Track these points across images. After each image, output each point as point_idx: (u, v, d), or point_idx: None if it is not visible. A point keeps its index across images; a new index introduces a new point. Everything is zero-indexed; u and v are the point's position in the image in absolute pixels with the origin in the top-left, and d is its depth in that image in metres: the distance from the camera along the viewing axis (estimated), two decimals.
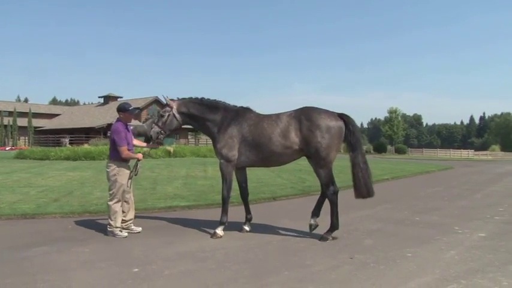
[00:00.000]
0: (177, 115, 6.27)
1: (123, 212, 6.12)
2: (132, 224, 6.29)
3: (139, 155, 6.21)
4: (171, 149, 28.09)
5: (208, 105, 6.30)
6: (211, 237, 5.93)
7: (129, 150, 6.10)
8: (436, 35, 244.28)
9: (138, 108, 6.66)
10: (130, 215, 6.27)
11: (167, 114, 6.28)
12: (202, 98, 6.40)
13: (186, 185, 12.15)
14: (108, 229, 6.00)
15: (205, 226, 6.58)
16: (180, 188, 11.43)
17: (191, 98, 6.40)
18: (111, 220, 5.96)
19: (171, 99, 6.35)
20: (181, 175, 15.08)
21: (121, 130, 6.05)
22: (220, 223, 6.07)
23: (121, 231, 5.99)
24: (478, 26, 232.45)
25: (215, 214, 7.07)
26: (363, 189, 5.86)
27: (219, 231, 5.98)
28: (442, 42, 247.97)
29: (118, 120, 6.24)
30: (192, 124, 6.47)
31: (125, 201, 6.14)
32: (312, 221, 6.08)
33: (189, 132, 58.28)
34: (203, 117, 6.26)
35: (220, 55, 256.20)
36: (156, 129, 6.31)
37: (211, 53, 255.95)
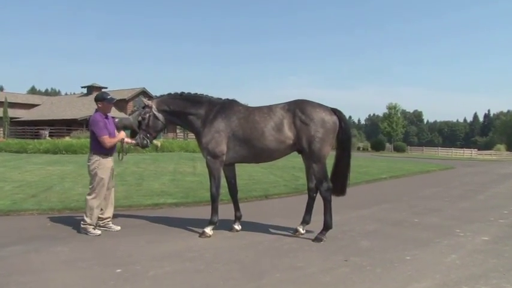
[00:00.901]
0: (158, 114, 6.20)
1: (100, 209, 6.10)
2: (110, 222, 6.26)
3: (122, 134, 6.22)
4: (158, 143, 27.84)
5: (189, 99, 6.26)
6: (200, 236, 5.92)
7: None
8: (438, 25, 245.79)
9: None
10: (108, 212, 6.24)
11: (147, 115, 6.20)
12: (182, 92, 6.36)
13: (173, 181, 12.12)
14: (82, 225, 5.97)
15: (193, 225, 6.57)
16: (167, 184, 11.40)
17: (170, 94, 6.37)
18: (86, 216, 5.95)
19: (149, 99, 6.33)
20: (168, 171, 15.04)
21: (99, 120, 6.01)
22: (210, 222, 6.06)
23: (94, 229, 5.96)
24: (483, 15, 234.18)
25: (204, 212, 7.07)
26: (337, 187, 6.09)
27: (208, 230, 5.97)
28: (443, 34, 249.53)
29: (96, 111, 6.19)
30: (175, 121, 6.42)
31: (103, 198, 6.10)
32: (300, 228, 6.15)
33: (178, 126, 58.06)
34: (185, 111, 6.20)
35: (211, 45, 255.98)
36: (141, 133, 6.24)
37: (201, 42, 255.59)
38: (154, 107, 6.21)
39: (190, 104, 6.21)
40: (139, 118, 6.25)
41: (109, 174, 6.10)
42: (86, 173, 7.24)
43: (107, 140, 5.98)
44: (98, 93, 6.40)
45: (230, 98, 6.36)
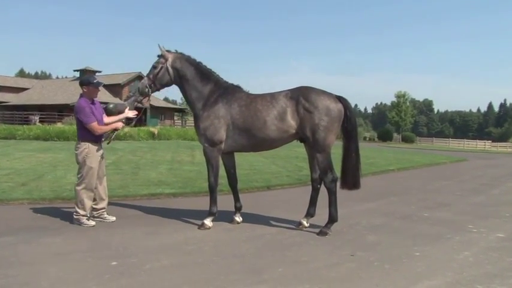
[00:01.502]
0: (170, 69, 6.15)
1: (94, 199, 6.10)
2: (105, 213, 6.26)
3: (119, 124, 6.17)
4: (155, 130, 28.00)
5: (202, 71, 6.22)
6: (199, 228, 5.93)
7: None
8: (450, 5, 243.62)
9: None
10: (103, 202, 6.23)
11: (160, 66, 6.15)
12: (200, 62, 6.31)
13: (171, 170, 12.13)
14: (74, 216, 5.97)
15: (192, 216, 6.58)
16: (164, 173, 11.41)
17: (190, 56, 6.30)
18: (78, 207, 5.94)
19: (168, 51, 6.23)
20: (166, 159, 15.05)
21: (84, 105, 5.92)
22: (209, 213, 6.06)
23: (88, 220, 5.97)
24: (499, 8, 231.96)
25: (203, 203, 7.06)
26: (349, 180, 6.07)
27: (208, 222, 5.97)
28: (455, 15, 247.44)
29: (81, 96, 6.10)
30: (180, 86, 6.33)
31: (95, 188, 6.08)
32: (304, 221, 6.16)
33: (175, 113, 58.01)
34: (191, 83, 6.16)
35: (211, 21, 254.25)
36: (145, 81, 6.20)
37: (200, 19, 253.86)
38: (170, 60, 6.16)
39: (199, 77, 6.17)
40: (152, 65, 6.19)
41: (99, 163, 6.07)
42: None
43: (96, 127, 5.92)
44: (83, 77, 6.30)
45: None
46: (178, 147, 21.20)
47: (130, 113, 6.35)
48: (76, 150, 6.01)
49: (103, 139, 6.30)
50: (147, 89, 6.16)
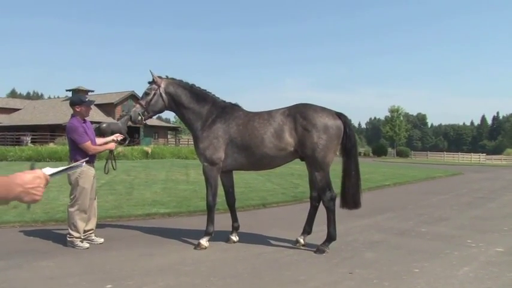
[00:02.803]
0: (164, 95, 6.15)
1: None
2: (93, 234, 6.19)
3: (111, 145, 6.16)
4: (148, 149, 27.93)
5: (197, 93, 6.24)
6: (195, 248, 5.88)
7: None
8: (443, 27, 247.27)
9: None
10: (91, 224, 6.16)
11: (153, 92, 6.15)
12: (193, 84, 6.33)
13: (165, 189, 12.07)
14: (68, 239, 5.90)
15: (187, 236, 6.52)
16: (159, 193, 11.35)
17: (181, 80, 6.32)
18: (71, 229, 5.87)
19: (159, 77, 6.24)
20: (160, 179, 14.97)
21: (78, 125, 5.92)
22: (206, 233, 6.02)
23: (82, 242, 5.90)
24: (491, 15, 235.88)
25: (199, 222, 7.02)
26: (349, 200, 6.03)
27: (204, 241, 5.93)
28: (448, 35, 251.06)
29: (73, 116, 6.09)
30: (175, 111, 6.34)
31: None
32: (300, 238, 6.12)
33: (169, 132, 57.99)
34: (188, 106, 6.16)
35: (205, 51, 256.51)
36: (138, 108, 6.17)
37: (196, 48, 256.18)
38: (162, 86, 6.15)
39: (196, 100, 6.17)
40: (144, 91, 6.20)
41: (91, 184, 6.03)
42: None
43: (90, 147, 5.91)
44: (73, 97, 6.31)
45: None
46: (173, 166, 21.11)
47: (112, 146, 6.35)
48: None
49: (104, 169, 6.30)
50: (140, 117, 6.13)
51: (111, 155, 6.39)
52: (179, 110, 6.24)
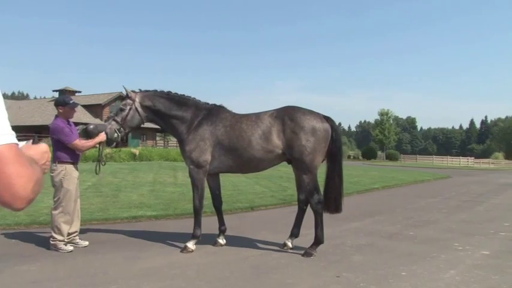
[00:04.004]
0: (139, 109, 6.05)
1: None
2: (77, 237, 6.12)
3: (101, 136, 6.00)
4: (136, 151, 27.79)
5: (176, 100, 6.17)
6: (182, 251, 5.85)
7: None
8: (431, 31, 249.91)
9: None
10: (75, 226, 6.09)
11: (128, 108, 6.04)
12: (169, 91, 6.28)
13: (153, 192, 12.01)
14: (51, 242, 5.83)
15: (174, 239, 6.49)
16: (146, 195, 11.29)
17: (156, 90, 6.24)
18: (55, 232, 5.80)
19: (133, 91, 6.14)
20: (147, 181, 14.91)
21: (63, 125, 5.87)
22: (193, 236, 6.00)
23: (66, 245, 5.83)
24: (480, 19, 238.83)
25: (186, 225, 6.99)
26: (331, 204, 6.02)
27: (191, 245, 5.90)
28: (438, 39, 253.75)
29: (57, 116, 6.03)
30: (156, 122, 6.28)
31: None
32: (288, 241, 6.13)
33: (157, 133, 57.73)
34: (170, 114, 6.10)
35: (194, 53, 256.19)
36: (113, 125, 6.03)
37: (185, 50, 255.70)
38: (137, 100, 6.04)
39: (176, 106, 6.11)
40: (119, 107, 6.11)
41: (76, 185, 5.98)
42: None
43: (79, 145, 5.86)
44: (58, 97, 6.26)
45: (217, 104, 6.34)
46: (161, 168, 21.03)
47: (102, 137, 6.10)
48: (52, 172, 5.89)
49: (96, 170, 6.26)
50: (116, 134, 6.01)
51: (100, 154, 6.34)
52: (161, 119, 6.17)
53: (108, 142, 6.13)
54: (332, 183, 6.01)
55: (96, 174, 6.54)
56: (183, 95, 6.30)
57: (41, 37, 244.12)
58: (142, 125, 6.33)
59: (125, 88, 6.14)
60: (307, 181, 5.78)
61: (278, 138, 5.75)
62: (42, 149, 1.40)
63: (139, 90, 6.21)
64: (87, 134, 6.20)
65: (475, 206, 11.49)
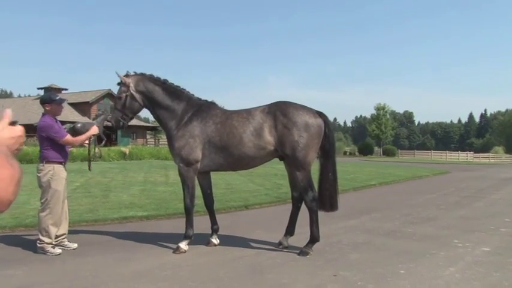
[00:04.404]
0: (136, 95, 6.06)
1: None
2: (65, 240, 6.09)
3: (94, 129, 6.01)
4: (126, 150, 27.73)
5: (170, 91, 6.16)
6: (174, 252, 5.85)
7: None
8: (428, 23, 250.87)
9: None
10: (63, 228, 6.06)
11: (124, 95, 6.06)
12: (166, 80, 6.25)
13: (144, 192, 11.99)
14: (38, 245, 5.78)
15: (166, 240, 6.48)
16: (137, 195, 11.26)
17: (152, 75, 6.23)
18: (42, 235, 5.76)
19: (127, 75, 6.12)
20: (138, 180, 14.89)
21: (52, 123, 5.84)
22: (185, 236, 5.99)
23: (53, 248, 5.80)
24: (476, 12, 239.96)
25: (178, 225, 6.99)
26: (326, 202, 6.03)
27: (183, 245, 5.90)
28: (435, 31, 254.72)
29: (44, 114, 5.98)
30: (148, 108, 6.25)
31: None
32: (283, 240, 6.15)
33: (148, 131, 57.55)
34: (162, 103, 6.08)
35: (184, 48, 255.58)
36: (115, 114, 6.11)
37: (175, 45, 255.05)
38: (132, 85, 6.05)
39: (170, 98, 6.10)
40: (116, 96, 6.15)
41: (64, 186, 5.94)
42: None
43: (71, 140, 5.84)
44: (43, 95, 6.21)
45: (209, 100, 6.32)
46: (151, 167, 20.99)
47: (95, 130, 6.11)
48: (39, 172, 5.85)
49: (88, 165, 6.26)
50: (121, 122, 6.11)
51: (94, 148, 6.34)
52: (152, 107, 6.17)
53: (100, 138, 6.20)
54: (326, 180, 6.02)
55: (89, 170, 6.52)
56: (179, 86, 6.29)
57: (24, 32, 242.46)
58: (141, 110, 6.35)
59: (118, 74, 6.12)
60: (301, 178, 5.78)
61: (270, 135, 5.75)
62: (18, 132, 1.33)
63: (134, 73, 6.21)
64: (75, 132, 6.16)
65: (475, 201, 11.56)
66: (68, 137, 5.82)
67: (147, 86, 6.10)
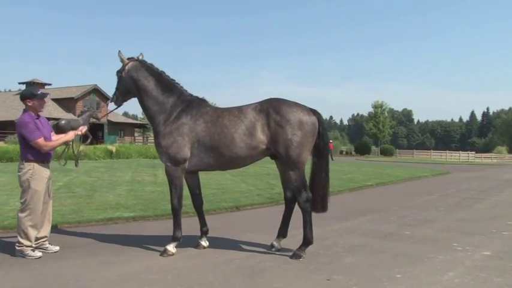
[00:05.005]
0: (126, 79, 6.15)
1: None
2: (46, 242, 6.02)
3: (70, 134, 5.99)
4: (113, 148, 27.63)
5: (165, 83, 6.17)
6: (161, 255, 5.83)
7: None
8: (427, 18, 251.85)
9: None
10: (45, 230, 5.99)
11: (119, 75, 6.22)
12: (163, 72, 6.26)
13: (131, 192, 11.96)
14: (17, 248, 5.71)
15: (153, 242, 6.47)
16: (123, 195, 11.23)
17: (152, 65, 6.25)
18: (21, 237, 5.69)
19: (130, 58, 6.24)
20: (125, 180, 14.86)
21: (28, 120, 5.72)
22: (173, 238, 5.97)
23: (33, 251, 5.74)
24: (478, 7, 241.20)
25: (166, 227, 6.98)
26: (317, 202, 6.04)
27: (171, 248, 5.88)
28: (435, 27, 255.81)
29: (25, 111, 5.89)
30: (135, 95, 6.28)
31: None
32: (275, 242, 6.16)
33: (136, 129, 57.42)
34: (151, 95, 6.08)
35: (175, 42, 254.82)
36: (114, 90, 6.32)
37: (165, 39, 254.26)
38: (126, 69, 6.15)
39: (161, 89, 6.10)
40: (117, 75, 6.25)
41: (45, 186, 5.86)
42: None
43: (43, 144, 5.69)
44: (24, 90, 6.13)
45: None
46: (139, 166, 20.95)
47: (71, 135, 6.08)
48: (19, 171, 5.78)
49: (58, 160, 6.17)
50: (114, 97, 6.36)
51: (71, 148, 6.28)
52: (141, 97, 6.17)
53: (85, 136, 6.29)
54: (318, 180, 6.03)
55: (76, 166, 6.50)
56: (173, 80, 6.29)
57: (4, 24, 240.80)
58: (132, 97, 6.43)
59: (119, 54, 6.22)
60: (294, 178, 5.78)
61: (263, 133, 5.73)
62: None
63: (137, 58, 6.28)
64: (59, 130, 6.10)
65: (476, 203, 11.61)
66: (39, 140, 5.65)
67: (140, 73, 6.13)
